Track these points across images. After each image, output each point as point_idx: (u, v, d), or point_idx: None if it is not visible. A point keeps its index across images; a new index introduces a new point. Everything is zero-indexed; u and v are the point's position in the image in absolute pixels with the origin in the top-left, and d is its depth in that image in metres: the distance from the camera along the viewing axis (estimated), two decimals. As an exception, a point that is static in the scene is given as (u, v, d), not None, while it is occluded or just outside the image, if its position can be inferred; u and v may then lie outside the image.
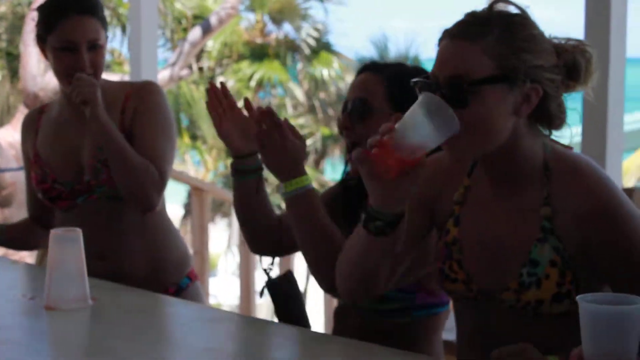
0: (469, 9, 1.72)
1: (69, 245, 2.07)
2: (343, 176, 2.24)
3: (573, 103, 1.78)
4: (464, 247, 1.78)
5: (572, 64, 1.71)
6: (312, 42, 15.87)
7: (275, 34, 16.27)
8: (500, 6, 1.71)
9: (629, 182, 11.77)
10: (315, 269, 2.02)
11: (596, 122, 3.11)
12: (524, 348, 1.57)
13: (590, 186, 1.69)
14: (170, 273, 2.55)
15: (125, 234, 2.51)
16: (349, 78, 15.77)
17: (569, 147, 1.79)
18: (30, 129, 2.60)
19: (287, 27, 16.17)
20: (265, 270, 2.28)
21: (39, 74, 8.63)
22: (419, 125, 1.56)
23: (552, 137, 1.77)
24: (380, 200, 1.63)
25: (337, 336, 2.07)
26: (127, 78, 7.37)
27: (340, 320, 2.22)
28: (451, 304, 2.01)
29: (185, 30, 13.39)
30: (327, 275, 1.92)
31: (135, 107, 2.47)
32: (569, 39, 1.74)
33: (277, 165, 2.01)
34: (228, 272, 15.32)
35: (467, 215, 1.80)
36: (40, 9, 2.49)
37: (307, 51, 15.81)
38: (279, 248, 2.26)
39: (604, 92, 3.07)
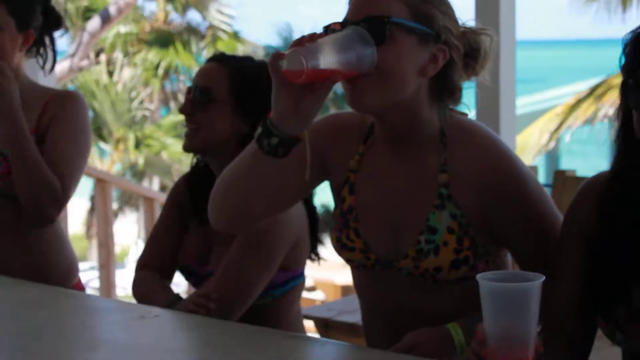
0: None
1: None
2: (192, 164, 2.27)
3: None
4: (360, 216, 1.75)
5: (475, 43, 1.71)
6: (218, 29, 15.78)
7: (179, 21, 16.12)
8: None
9: (527, 157, 12.08)
10: None
11: (489, 105, 3.13)
12: (417, 343, 1.60)
13: (484, 151, 1.68)
14: (56, 282, 2.39)
15: (8, 235, 2.37)
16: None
17: (463, 114, 1.77)
18: None
19: (192, 14, 16.04)
20: None
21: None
22: (340, 45, 1.54)
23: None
24: (282, 114, 1.55)
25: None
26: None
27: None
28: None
29: (87, 19, 13.11)
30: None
31: (54, 113, 2.33)
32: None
33: None
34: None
35: (362, 183, 1.77)
36: None
37: (210, 39, 15.72)
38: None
39: (495, 76, 3.08)
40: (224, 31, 15.90)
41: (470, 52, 1.70)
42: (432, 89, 1.68)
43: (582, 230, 1.56)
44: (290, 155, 1.61)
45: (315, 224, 2.19)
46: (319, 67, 1.49)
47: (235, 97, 2.10)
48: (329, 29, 1.64)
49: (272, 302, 2.13)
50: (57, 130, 2.33)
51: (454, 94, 1.71)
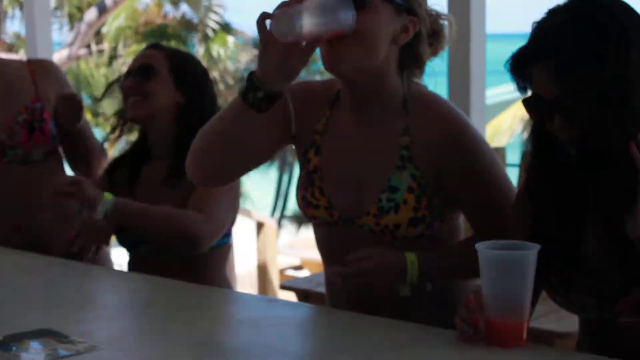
0: None
1: None
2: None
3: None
4: (324, 175, 1.79)
5: (437, 25, 1.77)
6: (211, 23, 15.66)
7: (173, 14, 16.00)
8: None
9: (501, 140, 12.11)
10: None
11: (460, 95, 3.16)
12: (370, 255, 1.66)
13: (443, 116, 1.74)
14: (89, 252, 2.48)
15: (37, 204, 2.44)
16: (243, 55, 15.66)
17: (424, 86, 1.82)
18: None
19: (185, 7, 15.91)
20: None
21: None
22: (324, 7, 1.59)
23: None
24: (268, 70, 1.61)
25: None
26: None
27: (137, 261, 2.33)
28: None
29: (81, 10, 13.03)
30: None
31: (56, 90, 2.46)
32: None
33: None
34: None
35: (327, 144, 1.81)
36: None
37: (204, 32, 15.60)
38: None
39: (466, 68, 3.12)
40: (216, 23, 15.79)
41: (432, 33, 1.76)
42: (400, 59, 1.74)
43: (529, 207, 1.59)
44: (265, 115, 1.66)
45: None
46: (304, 28, 1.55)
47: (174, 73, 2.29)
48: None
49: (207, 254, 2.24)
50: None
51: (419, 65, 1.78)
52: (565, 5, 1.50)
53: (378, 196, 1.73)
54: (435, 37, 1.78)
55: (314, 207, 1.80)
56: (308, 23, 1.56)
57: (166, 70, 2.29)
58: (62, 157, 2.55)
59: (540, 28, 1.50)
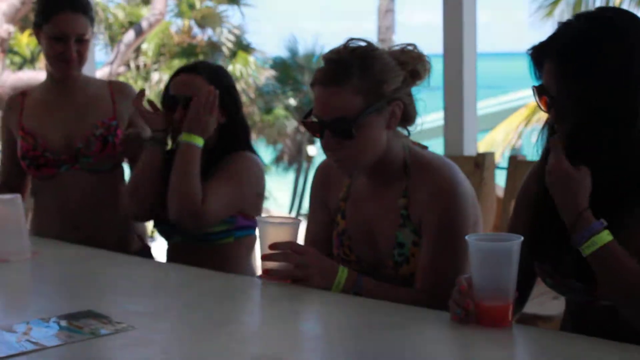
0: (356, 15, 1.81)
1: (9, 208, 2.09)
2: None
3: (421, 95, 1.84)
4: (351, 235, 1.84)
5: (414, 71, 1.76)
6: (231, 45, 15.72)
7: (201, 36, 16.06)
8: (352, 42, 1.74)
9: (496, 152, 12.05)
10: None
11: (454, 108, 3.16)
12: (314, 252, 1.76)
13: (436, 179, 1.74)
14: (135, 244, 2.52)
15: (98, 207, 2.47)
16: (263, 73, 15.69)
17: (424, 147, 1.84)
18: (14, 108, 2.55)
19: (210, 31, 15.97)
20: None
21: (-5, 74, 8.36)
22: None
23: (411, 135, 1.84)
24: None
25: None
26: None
27: (173, 249, 2.34)
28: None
29: (122, 33, 13.10)
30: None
31: (131, 112, 2.48)
32: (406, 46, 1.77)
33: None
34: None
35: (350, 208, 1.86)
36: (38, 2, 2.50)
37: (226, 52, 15.67)
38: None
39: (459, 82, 3.13)
40: (237, 45, 15.83)
41: (415, 69, 1.75)
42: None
43: (530, 199, 1.60)
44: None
45: None
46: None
47: (219, 96, 2.23)
48: (305, 125, 1.75)
49: (233, 242, 2.26)
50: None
51: (410, 122, 1.80)
52: (589, 13, 1.49)
53: (392, 252, 1.77)
54: (416, 75, 1.77)
55: (347, 262, 1.84)
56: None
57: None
58: (124, 170, 2.57)
59: (560, 28, 1.50)
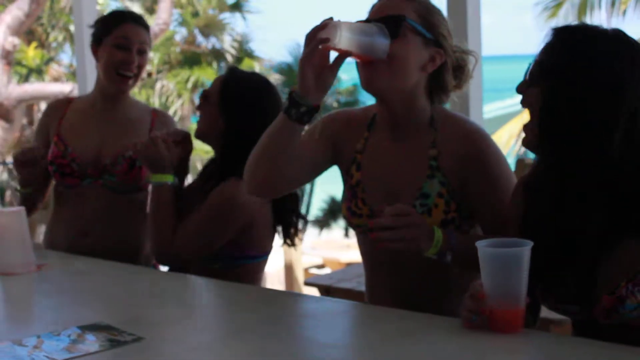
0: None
1: (13, 220, 2.09)
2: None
3: None
4: (366, 187, 1.82)
5: (462, 61, 1.81)
6: (234, 52, 15.76)
7: (205, 44, 16.10)
8: None
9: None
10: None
11: (460, 111, 3.15)
12: (413, 212, 1.64)
13: (467, 133, 1.76)
14: (143, 260, 2.52)
15: (113, 220, 2.48)
16: (269, 78, 15.68)
17: (446, 108, 1.86)
18: (56, 113, 2.57)
19: (214, 39, 16.02)
20: None
21: (3, 86, 8.40)
22: (359, 30, 1.65)
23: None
24: (305, 85, 1.65)
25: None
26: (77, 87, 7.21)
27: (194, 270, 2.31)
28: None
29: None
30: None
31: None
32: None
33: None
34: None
35: (367, 160, 1.84)
36: (99, 20, 2.52)
37: (230, 59, 15.71)
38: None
39: (465, 86, 3.11)
40: (241, 52, 15.86)
41: (457, 68, 1.79)
42: (428, 86, 1.78)
43: (518, 212, 1.59)
44: (307, 138, 1.77)
45: (284, 216, 2.27)
46: (342, 39, 1.61)
47: (222, 101, 2.23)
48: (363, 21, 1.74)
49: (250, 265, 2.22)
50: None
51: (444, 93, 1.81)
52: (565, 35, 1.48)
53: (412, 203, 1.75)
54: (459, 70, 1.81)
55: (358, 216, 1.82)
56: (346, 37, 1.62)
57: (216, 95, 2.25)
58: (146, 196, 2.52)
59: (547, 43, 1.50)
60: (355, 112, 1.92)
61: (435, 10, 1.78)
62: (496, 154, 1.75)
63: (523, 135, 1.53)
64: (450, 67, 1.78)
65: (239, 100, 2.23)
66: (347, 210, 1.84)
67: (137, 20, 2.48)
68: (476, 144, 1.74)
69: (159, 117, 2.57)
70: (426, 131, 1.78)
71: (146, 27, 2.49)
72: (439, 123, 1.78)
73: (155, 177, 2.21)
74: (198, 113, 2.29)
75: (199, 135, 2.29)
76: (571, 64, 1.44)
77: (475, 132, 1.75)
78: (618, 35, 1.47)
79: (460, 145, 1.74)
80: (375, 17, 1.74)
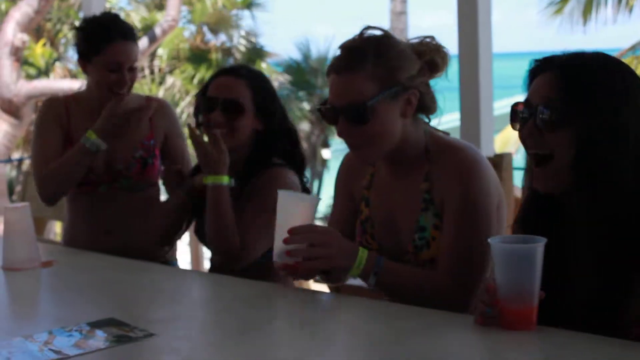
0: (369, 22, 1.80)
1: (19, 216, 2.09)
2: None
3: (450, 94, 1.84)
4: (374, 223, 1.85)
5: (432, 61, 1.76)
6: (244, 49, 15.75)
7: (214, 41, 16.10)
8: (368, 32, 1.75)
9: (511, 149, 12.01)
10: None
11: (470, 108, 3.15)
12: (335, 232, 1.73)
13: (458, 165, 1.73)
14: (164, 253, 2.53)
15: (132, 215, 2.50)
16: (275, 76, 15.70)
17: (446, 133, 1.83)
18: (60, 113, 2.52)
19: (223, 36, 16.02)
20: None
21: (12, 83, 8.43)
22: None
23: (433, 125, 1.82)
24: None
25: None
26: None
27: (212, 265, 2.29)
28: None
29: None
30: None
31: (167, 128, 2.53)
32: (424, 38, 1.78)
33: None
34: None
35: (373, 196, 1.86)
36: (85, 30, 2.45)
37: (238, 56, 15.70)
38: None
39: (475, 83, 3.11)
40: (250, 49, 15.86)
41: (432, 60, 1.76)
42: (413, 115, 1.76)
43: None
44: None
45: None
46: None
47: (256, 104, 2.19)
48: (320, 111, 1.76)
49: (265, 262, 2.15)
50: (178, 145, 2.56)
51: (430, 112, 1.79)
52: (560, 60, 1.47)
53: (412, 236, 1.76)
54: (434, 66, 1.77)
55: (370, 250, 1.81)
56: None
57: (250, 104, 2.19)
58: (160, 188, 2.56)
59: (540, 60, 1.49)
60: None
61: (385, 51, 1.70)
62: (480, 192, 1.70)
63: (538, 182, 1.48)
64: (427, 90, 1.75)
65: (272, 99, 2.23)
66: (360, 244, 1.86)
67: (125, 36, 2.41)
68: (464, 181, 1.70)
69: (160, 106, 2.54)
70: (421, 164, 1.78)
71: (135, 39, 2.44)
72: (433, 154, 1.77)
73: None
74: (220, 126, 2.16)
75: (235, 148, 2.18)
76: (601, 97, 1.41)
77: (466, 167, 1.71)
78: (606, 57, 1.46)
79: (451, 177, 1.72)
80: (337, 103, 1.71)
